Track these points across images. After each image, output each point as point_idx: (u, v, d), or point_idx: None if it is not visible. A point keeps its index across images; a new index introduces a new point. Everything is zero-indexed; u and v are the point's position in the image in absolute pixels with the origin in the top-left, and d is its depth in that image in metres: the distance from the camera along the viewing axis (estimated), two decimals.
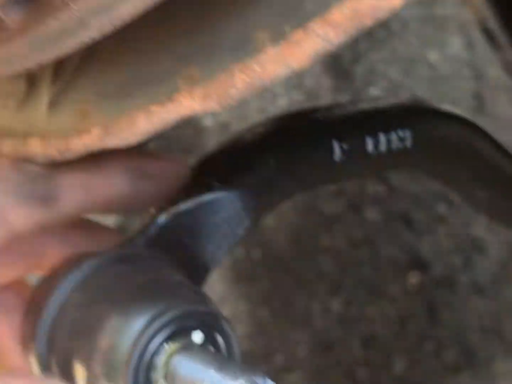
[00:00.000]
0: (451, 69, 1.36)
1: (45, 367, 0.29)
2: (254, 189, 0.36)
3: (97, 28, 0.22)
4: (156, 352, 0.27)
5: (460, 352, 1.32)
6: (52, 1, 0.22)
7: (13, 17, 0.23)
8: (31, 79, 0.31)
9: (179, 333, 0.28)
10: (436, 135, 0.44)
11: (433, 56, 1.31)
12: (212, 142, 1.17)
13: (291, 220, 1.20)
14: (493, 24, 0.73)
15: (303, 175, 0.38)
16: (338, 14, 0.21)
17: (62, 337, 0.29)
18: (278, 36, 0.22)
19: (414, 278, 1.27)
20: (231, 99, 0.23)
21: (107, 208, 0.31)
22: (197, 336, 0.28)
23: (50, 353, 0.29)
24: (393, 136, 0.40)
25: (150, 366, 0.27)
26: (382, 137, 0.39)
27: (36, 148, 0.28)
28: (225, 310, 1.20)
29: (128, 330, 0.27)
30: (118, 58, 0.28)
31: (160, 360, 0.27)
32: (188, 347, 0.27)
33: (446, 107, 0.48)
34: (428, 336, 1.29)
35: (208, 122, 1.19)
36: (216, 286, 1.21)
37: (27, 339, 0.30)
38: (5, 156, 0.29)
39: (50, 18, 0.22)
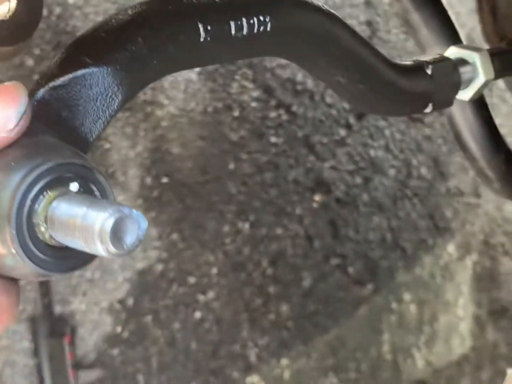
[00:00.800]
0: None
1: None
2: (124, 65, 0.39)
3: None
4: (35, 200, 0.30)
5: (363, 266, 1.40)
6: None
7: None
8: None
9: (57, 183, 0.31)
10: (293, 21, 0.48)
11: None
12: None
13: (198, 147, 1.23)
14: None
15: (170, 54, 0.42)
16: None
17: None
18: None
19: (318, 198, 1.33)
20: None
21: None
22: (74, 186, 0.31)
23: None
24: (254, 21, 0.44)
25: (31, 212, 0.30)
26: (244, 21, 0.44)
27: None
28: None
29: (9, 183, 0.30)
30: None
31: (40, 206, 0.30)
32: (65, 194, 0.31)
33: None
34: (333, 253, 1.36)
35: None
36: None
37: None
38: None
39: None
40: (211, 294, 1.23)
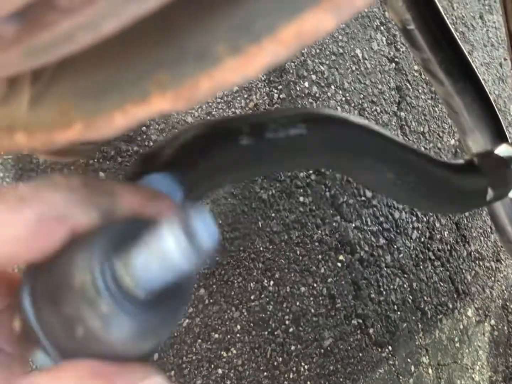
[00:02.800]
0: (375, 65, 1.44)
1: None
2: (180, 172, 0.44)
3: (82, 42, 0.26)
4: (111, 264, 0.31)
5: (383, 327, 1.40)
6: (44, 17, 0.26)
7: (8, 29, 0.27)
8: (11, 80, 0.34)
9: (126, 238, 0.32)
10: (325, 128, 0.51)
11: (358, 51, 1.37)
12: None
13: (229, 204, 1.24)
14: (412, 25, 0.79)
15: (217, 158, 0.46)
16: (285, 34, 0.26)
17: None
18: (235, 50, 0.28)
19: (342, 258, 1.34)
20: (196, 100, 0.28)
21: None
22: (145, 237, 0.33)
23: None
24: (291, 128, 0.48)
25: (113, 276, 0.31)
26: (281, 128, 0.48)
27: (22, 141, 0.32)
28: None
29: (86, 260, 0.32)
30: (92, 62, 0.32)
31: (118, 265, 0.31)
32: (135, 246, 0.31)
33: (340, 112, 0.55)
34: (354, 313, 1.36)
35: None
36: None
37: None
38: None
39: (43, 31, 0.26)
40: (233, 351, 1.24)
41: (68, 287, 0.31)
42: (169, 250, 0.29)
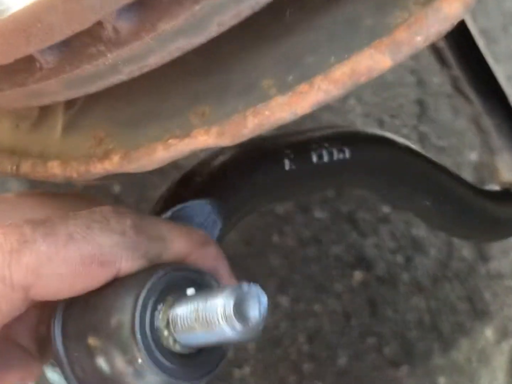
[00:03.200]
0: (395, 76, 1.42)
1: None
2: (220, 198, 0.43)
3: (127, 73, 0.24)
4: (153, 310, 0.31)
5: (399, 347, 1.38)
6: (87, 48, 0.24)
7: (47, 59, 0.25)
8: (44, 106, 0.33)
9: (173, 289, 0.32)
10: (369, 152, 0.50)
11: None
12: None
13: (244, 220, 1.23)
14: (442, 43, 0.77)
15: (260, 184, 0.45)
16: (339, 72, 0.24)
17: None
18: (283, 85, 0.26)
19: (358, 276, 1.32)
20: (242, 137, 0.26)
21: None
22: (190, 291, 0.32)
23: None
24: (335, 152, 0.47)
25: (153, 322, 0.31)
26: (324, 152, 0.46)
27: (56, 170, 0.30)
28: None
29: (127, 303, 0.31)
30: (129, 90, 0.30)
31: (160, 314, 0.31)
32: (183, 297, 0.31)
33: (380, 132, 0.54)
34: (370, 331, 1.34)
35: None
36: None
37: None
38: (26, 175, 0.32)
39: (85, 63, 0.24)
40: (247, 369, 1.22)
41: (103, 324, 0.31)
42: (217, 321, 0.28)
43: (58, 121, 0.33)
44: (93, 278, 0.31)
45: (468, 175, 1.49)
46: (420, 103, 1.36)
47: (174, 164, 1.21)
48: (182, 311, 0.30)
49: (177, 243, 0.33)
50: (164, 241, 0.33)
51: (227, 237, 1.25)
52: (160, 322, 0.31)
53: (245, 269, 1.25)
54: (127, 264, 0.31)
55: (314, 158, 0.47)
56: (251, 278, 1.30)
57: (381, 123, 1.37)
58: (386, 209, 1.38)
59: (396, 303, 1.36)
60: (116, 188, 1.13)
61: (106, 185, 1.14)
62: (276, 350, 1.26)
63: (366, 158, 0.51)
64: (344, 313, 1.33)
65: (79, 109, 0.32)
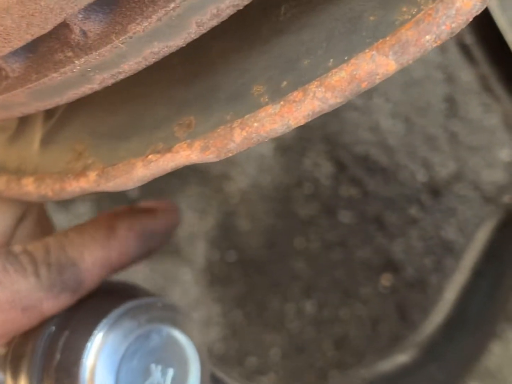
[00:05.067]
0: (424, 73, 1.37)
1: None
2: None
3: (99, 82, 0.22)
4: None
5: None
6: (54, 54, 0.22)
7: (13, 66, 0.23)
8: (23, 116, 0.30)
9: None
10: None
11: None
12: None
13: (266, 223, 1.20)
14: (469, 39, 0.73)
15: None
16: (337, 78, 0.21)
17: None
18: (275, 92, 0.23)
19: (386, 280, 1.29)
20: (229, 152, 0.23)
21: (121, 271, 0.34)
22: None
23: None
24: None
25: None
26: None
27: (30, 187, 0.28)
28: (200, 313, 1.20)
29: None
30: (110, 99, 0.28)
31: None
32: None
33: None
34: (398, 337, 1.31)
35: None
36: (191, 289, 1.21)
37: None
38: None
39: (52, 71, 0.22)
40: (272, 376, 1.20)
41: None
42: None
43: (37, 133, 0.31)
44: (18, 324, 0.30)
45: (498, 173, 1.44)
46: (449, 100, 1.32)
47: (193, 167, 1.19)
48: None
49: (89, 258, 0.32)
50: (75, 265, 0.31)
51: (251, 241, 1.23)
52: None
53: (268, 274, 1.22)
54: (48, 304, 0.30)
55: None
56: (275, 284, 1.27)
57: (408, 122, 1.33)
58: (415, 211, 1.34)
59: (425, 307, 1.32)
60: (134, 193, 1.12)
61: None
62: (301, 357, 1.24)
63: None
64: (371, 318, 1.29)
65: (58, 119, 0.30)
